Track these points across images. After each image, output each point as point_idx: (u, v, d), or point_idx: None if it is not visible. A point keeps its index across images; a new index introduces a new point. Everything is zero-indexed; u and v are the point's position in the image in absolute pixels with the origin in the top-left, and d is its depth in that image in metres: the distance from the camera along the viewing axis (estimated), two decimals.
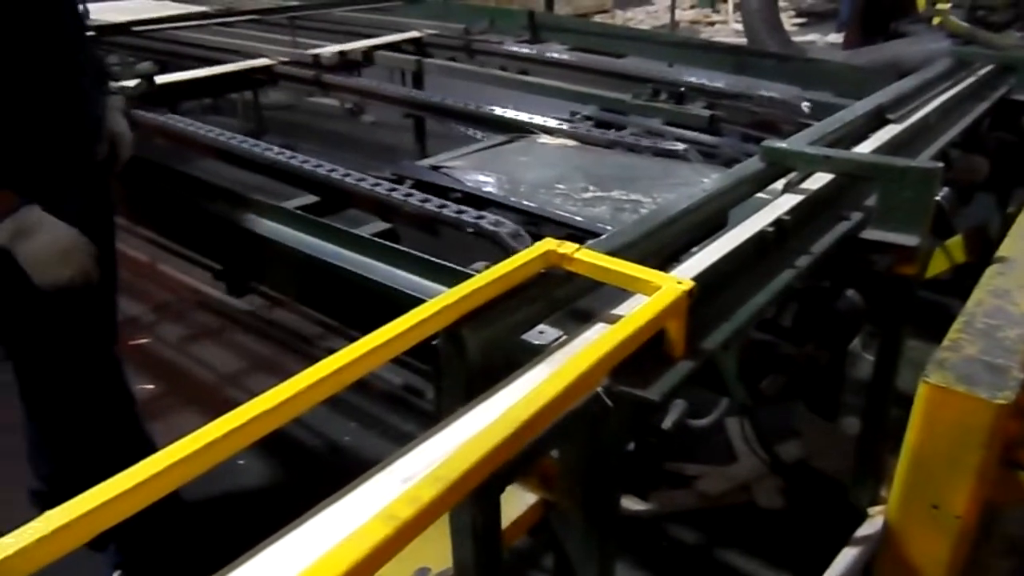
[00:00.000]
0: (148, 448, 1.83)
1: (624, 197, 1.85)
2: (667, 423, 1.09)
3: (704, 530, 2.18)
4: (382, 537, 0.55)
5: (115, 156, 1.81)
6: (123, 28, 3.50)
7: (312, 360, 0.77)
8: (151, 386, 2.83)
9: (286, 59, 3.09)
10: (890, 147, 1.69)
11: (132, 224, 2.24)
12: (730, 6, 10.71)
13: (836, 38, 8.59)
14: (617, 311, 1.01)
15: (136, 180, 1.93)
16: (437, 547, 0.99)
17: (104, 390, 1.85)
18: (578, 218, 1.73)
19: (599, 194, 1.87)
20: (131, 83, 2.57)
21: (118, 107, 1.86)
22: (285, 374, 0.75)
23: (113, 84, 2.55)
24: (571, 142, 2.32)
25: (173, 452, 0.64)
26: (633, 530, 2.14)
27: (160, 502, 0.64)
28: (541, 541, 1.94)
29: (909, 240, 1.30)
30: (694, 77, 2.78)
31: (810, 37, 9.22)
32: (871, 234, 1.34)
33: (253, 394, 0.71)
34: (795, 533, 2.12)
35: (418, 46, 3.53)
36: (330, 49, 3.19)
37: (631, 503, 2.09)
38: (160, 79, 2.71)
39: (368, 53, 3.29)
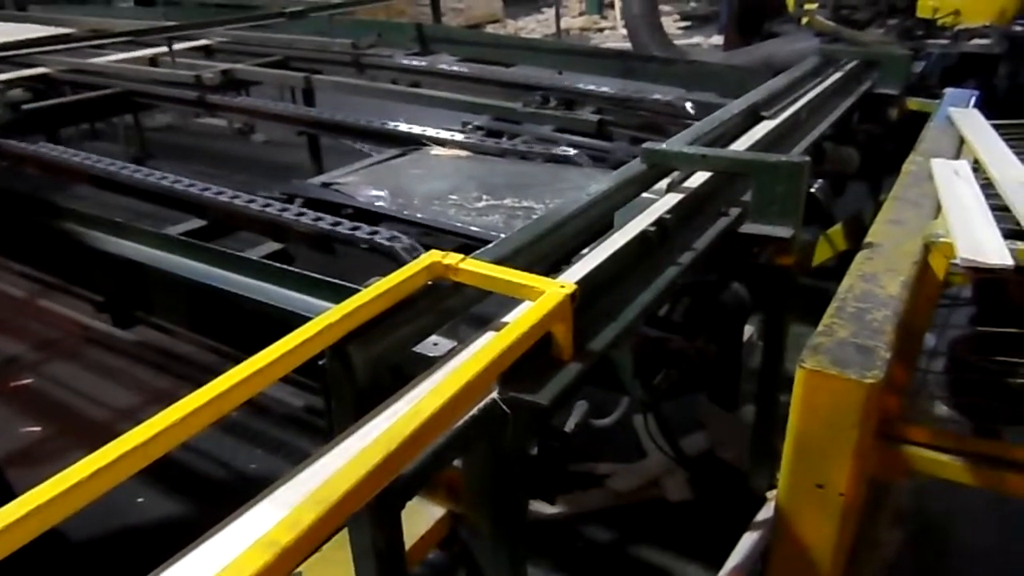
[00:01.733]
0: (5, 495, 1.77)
1: (517, 204, 1.86)
2: (569, 425, 1.11)
3: (618, 528, 2.21)
4: (261, 565, 0.53)
5: None
6: None
7: None
8: (38, 428, 2.67)
9: (65, 68, 3.00)
10: (765, 144, 1.75)
11: (5, 260, 2.12)
12: (617, 12, 10.94)
13: (719, 40, 8.88)
14: (507, 319, 1.02)
15: (3, 213, 1.83)
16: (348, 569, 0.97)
17: None
18: (473, 228, 1.74)
19: (492, 203, 1.88)
20: None
21: None
22: None
23: None
24: (464, 153, 2.32)
25: (38, 494, 0.61)
26: (547, 534, 2.14)
27: (34, 546, 0.60)
28: (454, 554, 1.95)
29: (784, 232, 1.36)
30: (583, 83, 2.83)
31: (695, 40, 9.53)
32: (749, 228, 1.39)
33: None
34: (704, 523, 2.17)
35: (208, 52, 3.56)
36: (108, 59, 3.23)
37: (543, 508, 2.11)
38: None
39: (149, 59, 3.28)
